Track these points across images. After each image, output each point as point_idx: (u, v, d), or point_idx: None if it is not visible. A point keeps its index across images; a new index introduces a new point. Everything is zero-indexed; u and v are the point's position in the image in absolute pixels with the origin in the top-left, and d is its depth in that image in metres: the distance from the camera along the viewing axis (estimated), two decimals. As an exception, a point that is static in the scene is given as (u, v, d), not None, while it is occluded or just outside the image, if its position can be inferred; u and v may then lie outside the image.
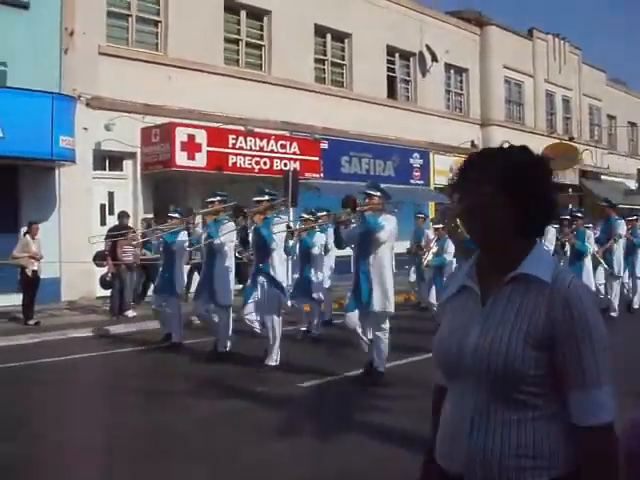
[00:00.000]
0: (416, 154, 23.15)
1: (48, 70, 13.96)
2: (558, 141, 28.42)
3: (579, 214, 12.29)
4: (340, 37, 21.23)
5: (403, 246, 13.14)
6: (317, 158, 18.59)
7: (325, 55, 20.87)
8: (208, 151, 15.98)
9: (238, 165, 16.62)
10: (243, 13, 18.55)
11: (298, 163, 17.68)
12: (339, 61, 21.31)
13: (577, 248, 11.76)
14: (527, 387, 1.85)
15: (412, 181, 22.94)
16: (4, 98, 12.91)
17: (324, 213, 11.20)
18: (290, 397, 7.03)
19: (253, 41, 18.91)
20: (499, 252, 1.98)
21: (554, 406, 1.88)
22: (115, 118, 15.23)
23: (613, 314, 12.81)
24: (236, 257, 10.29)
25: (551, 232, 11.33)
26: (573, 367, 1.84)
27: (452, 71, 25.39)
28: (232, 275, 9.39)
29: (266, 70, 18.97)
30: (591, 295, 1.96)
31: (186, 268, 11.91)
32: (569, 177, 29.33)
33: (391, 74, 22.92)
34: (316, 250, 10.74)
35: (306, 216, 11.28)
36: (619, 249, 13.32)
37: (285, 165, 17.31)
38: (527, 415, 1.87)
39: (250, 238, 8.65)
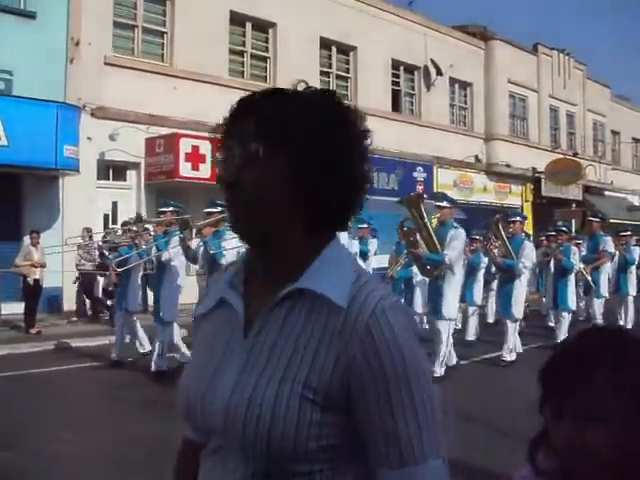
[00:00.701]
0: (420, 168, 23.14)
1: (54, 79, 14.01)
2: (562, 156, 28.39)
3: (564, 228, 11.83)
4: (345, 50, 21.28)
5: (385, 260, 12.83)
6: (321, 170, 18.55)
7: (330, 68, 20.92)
8: (212, 162, 15.97)
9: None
10: (249, 25, 18.62)
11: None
12: (344, 74, 21.36)
13: (562, 264, 11.02)
14: (310, 465, 1.22)
15: (415, 194, 22.89)
16: (9, 107, 12.97)
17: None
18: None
19: (258, 53, 18.97)
20: (275, 251, 1.30)
21: None
22: (119, 128, 15.26)
23: None
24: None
25: (529, 247, 10.02)
26: (381, 434, 1.20)
27: (456, 85, 25.43)
28: (178, 290, 8.93)
29: (271, 82, 19.00)
30: (410, 323, 1.28)
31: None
32: (572, 192, 29.29)
33: (395, 87, 22.97)
34: None
35: None
36: (605, 268, 12.93)
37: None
38: None
39: (200, 252, 8.43)
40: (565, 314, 10.74)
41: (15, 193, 13.92)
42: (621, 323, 12.73)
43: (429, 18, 24.00)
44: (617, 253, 13.25)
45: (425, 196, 9.61)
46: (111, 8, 15.69)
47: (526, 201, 28.09)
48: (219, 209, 8.86)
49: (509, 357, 9.78)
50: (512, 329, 9.86)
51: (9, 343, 10.82)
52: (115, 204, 15.94)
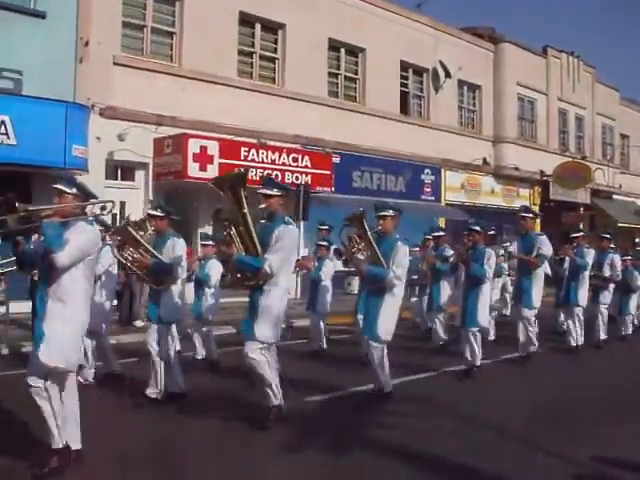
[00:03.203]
0: (427, 170, 23.12)
1: (63, 79, 14.03)
2: (570, 160, 28.33)
3: (477, 227, 9.86)
4: (354, 52, 21.28)
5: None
6: (329, 172, 18.59)
7: (339, 69, 20.92)
8: (220, 163, 16.00)
9: (250, 177, 16.60)
10: (258, 26, 18.64)
11: (309, 177, 17.71)
12: (352, 75, 21.34)
13: (471, 271, 9.78)
14: None
15: (423, 197, 22.92)
16: (19, 106, 13.00)
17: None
18: (295, 411, 6.98)
19: (267, 54, 18.98)
20: None
21: None
22: (128, 128, 15.30)
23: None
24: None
25: (402, 251, 7.59)
26: None
27: (465, 87, 25.38)
28: (109, 300, 8.55)
29: (279, 83, 19.03)
30: None
31: None
32: (580, 196, 29.21)
33: (404, 89, 22.94)
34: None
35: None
36: (539, 274, 10.38)
37: (297, 178, 17.34)
38: None
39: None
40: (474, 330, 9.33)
41: (24, 192, 13.91)
42: (571, 342, 11.58)
43: (438, 20, 23.97)
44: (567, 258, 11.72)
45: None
46: (120, 8, 15.75)
47: (534, 204, 27.94)
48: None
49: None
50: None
51: (19, 341, 10.85)
52: (123, 204, 15.96)
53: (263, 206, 6.57)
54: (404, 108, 22.92)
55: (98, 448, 5.55)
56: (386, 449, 5.87)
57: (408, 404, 7.48)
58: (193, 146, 15.65)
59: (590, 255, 11.97)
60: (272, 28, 19.00)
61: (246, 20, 18.28)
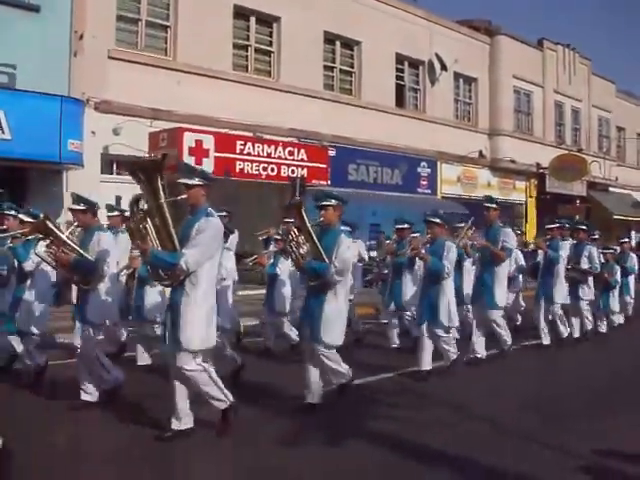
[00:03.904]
0: (424, 163, 23.11)
1: (57, 73, 13.98)
2: (567, 152, 28.34)
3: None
4: (349, 45, 21.23)
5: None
6: (325, 165, 18.56)
7: (334, 62, 20.87)
8: (215, 157, 15.98)
9: (245, 171, 16.61)
10: (253, 19, 18.57)
11: (305, 170, 17.69)
12: (348, 69, 21.29)
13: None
14: None
15: (419, 190, 22.91)
16: (13, 100, 12.95)
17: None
18: (291, 404, 6.97)
19: (262, 47, 18.93)
20: None
21: None
22: (123, 122, 15.26)
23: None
24: None
25: (345, 243, 6.75)
26: None
27: (461, 80, 25.35)
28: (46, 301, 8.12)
29: (275, 76, 18.98)
30: None
31: None
32: (577, 188, 29.25)
33: (400, 82, 22.90)
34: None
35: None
36: (503, 269, 9.59)
37: (293, 172, 17.32)
38: None
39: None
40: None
41: (18, 187, 13.90)
42: (563, 333, 11.24)
43: (434, 12, 23.92)
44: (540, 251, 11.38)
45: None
46: (115, 2, 15.69)
47: (530, 197, 28.04)
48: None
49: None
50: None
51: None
52: (119, 198, 15.90)
53: (184, 197, 5.94)
54: (400, 101, 22.88)
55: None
56: (384, 441, 5.87)
57: (403, 397, 7.50)
58: (188, 140, 15.61)
59: (564, 248, 11.29)
60: (267, 21, 18.94)
61: (241, 13, 18.22)
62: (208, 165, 15.74)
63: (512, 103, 27.05)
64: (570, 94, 30.15)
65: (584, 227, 12.22)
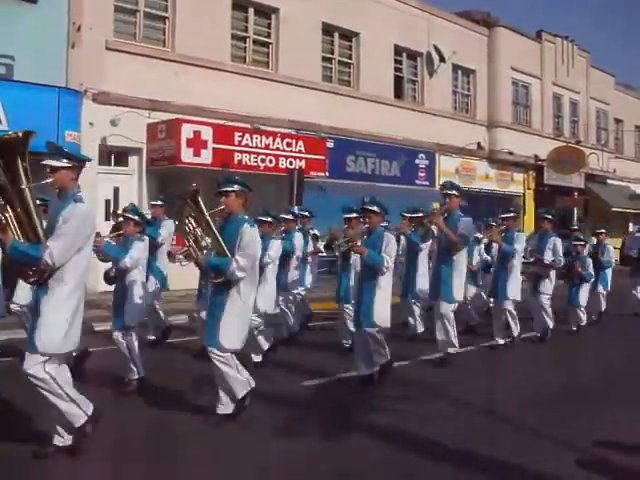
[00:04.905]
0: (422, 155, 23.10)
1: (55, 64, 13.96)
2: (565, 144, 28.33)
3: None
4: (348, 36, 21.18)
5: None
6: (323, 157, 18.55)
7: (332, 54, 20.82)
8: (214, 148, 15.96)
9: (244, 163, 16.59)
10: (251, 10, 18.52)
11: (304, 161, 17.67)
12: (346, 60, 21.25)
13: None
14: None
15: (417, 182, 22.90)
16: (10, 92, 12.93)
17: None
18: (291, 396, 7.00)
19: (260, 38, 18.88)
20: None
21: None
22: (121, 113, 15.23)
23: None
24: None
25: (248, 233, 6.03)
26: None
27: (459, 72, 25.31)
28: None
29: (273, 68, 18.94)
30: None
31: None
32: (575, 180, 29.26)
33: (398, 74, 22.86)
34: None
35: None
36: (459, 262, 8.90)
37: (291, 163, 17.31)
38: None
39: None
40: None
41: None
42: (514, 331, 10.47)
43: (432, 4, 23.87)
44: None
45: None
46: (113, -7, 15.63)
47: (528, 189, 28.04)
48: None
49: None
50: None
51: (5, 329, 10.81)
52: (117, 190, 15.93)
53: (49, 181, 5.05)
54: (398, 93, 22.85)
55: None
56: (384, 434, 5.90)
57: (403, 389, 7.55)
58: (186, 131, 15.58)
59: (520, 240, 10.30)
60: (265, 12, 18.88)
61: (239, 4, 18.16)
62: (206, 156, 15.76)
63: (510, 95, 27.03)
64: (568, 86, 30.12)
65: (549, 216, 11.34)
